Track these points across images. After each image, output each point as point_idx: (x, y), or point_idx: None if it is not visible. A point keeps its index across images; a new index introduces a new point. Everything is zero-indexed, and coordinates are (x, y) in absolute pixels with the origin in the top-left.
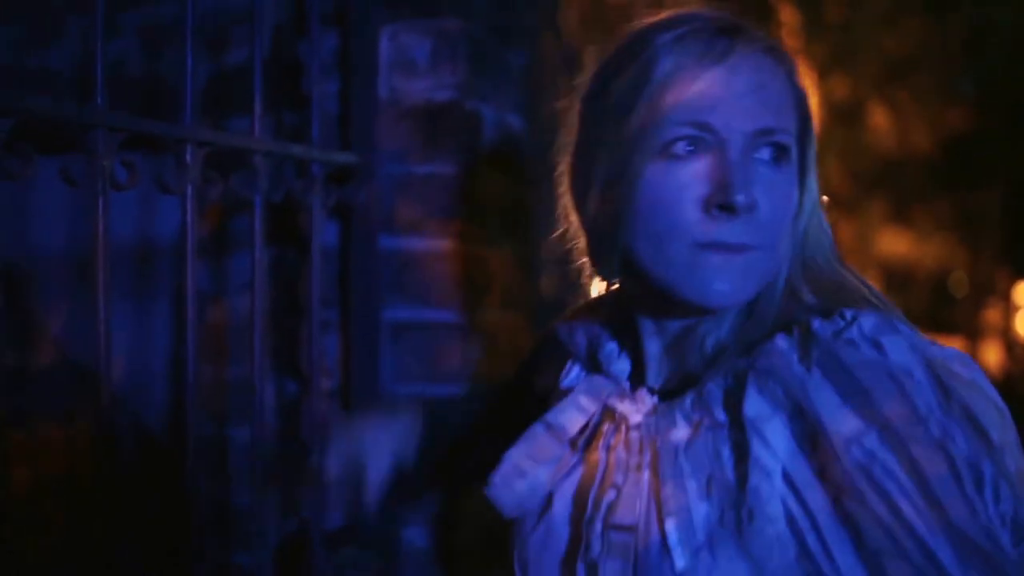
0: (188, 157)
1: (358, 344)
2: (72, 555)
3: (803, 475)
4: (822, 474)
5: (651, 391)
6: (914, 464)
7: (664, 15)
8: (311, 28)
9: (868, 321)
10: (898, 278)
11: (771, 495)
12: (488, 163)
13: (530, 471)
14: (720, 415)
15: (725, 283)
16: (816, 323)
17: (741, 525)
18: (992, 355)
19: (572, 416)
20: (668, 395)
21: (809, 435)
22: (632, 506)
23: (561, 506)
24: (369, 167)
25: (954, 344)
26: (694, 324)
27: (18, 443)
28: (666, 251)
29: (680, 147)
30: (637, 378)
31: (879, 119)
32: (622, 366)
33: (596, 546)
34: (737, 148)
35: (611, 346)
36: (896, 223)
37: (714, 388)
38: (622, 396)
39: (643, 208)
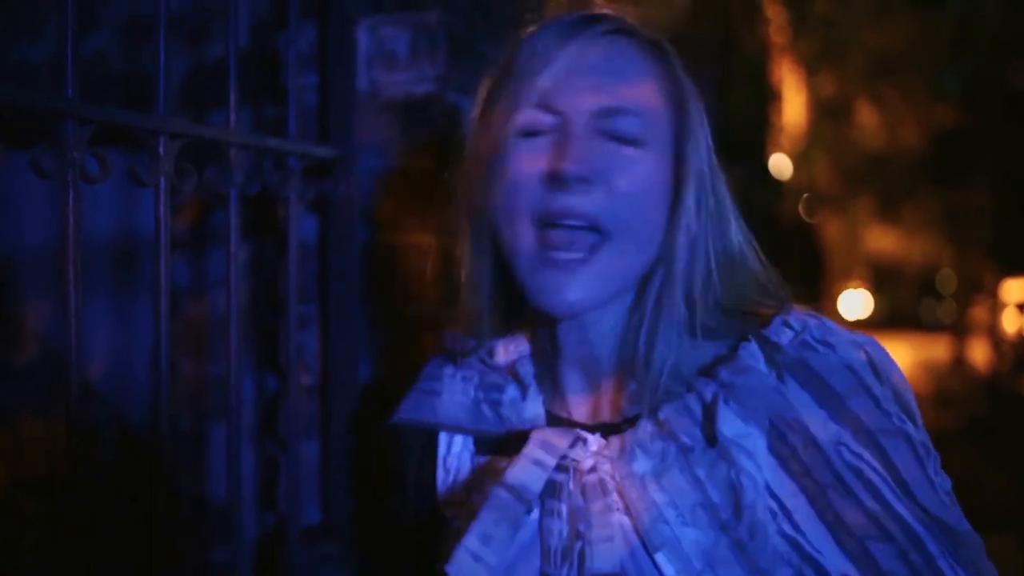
0: (161, 149)
1: (337, 339)
2: (51, 550)
3: (782, 484)
4: (804, 477)
5: (588, 429)
6: (886, 455)
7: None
8: (290, 20)
9: (812, 323)
10: (886, 275)
11: (764, 508)
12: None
13: (496, 539)
14: (687, 439)
15: (571, 290)
16: (772, 334)
17: (742, 543)
18: (979, 352)
19: (532, 474)
20: (604, 429)
21: (785, 443)
22: (609, 552)
23: (527, 571)
24: (348, 160)
25: (942, 341)
26: (597, 346)
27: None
28: (517, 238)
29: (531, 127)
30: (554, 419)
31: (867, 116)
32: (534, 410)
33: None
34: (580, 125)
35: (513, 392)
36: (884, 220)
37: (674, 413)
38: (572, 442)
39: (500, 187)
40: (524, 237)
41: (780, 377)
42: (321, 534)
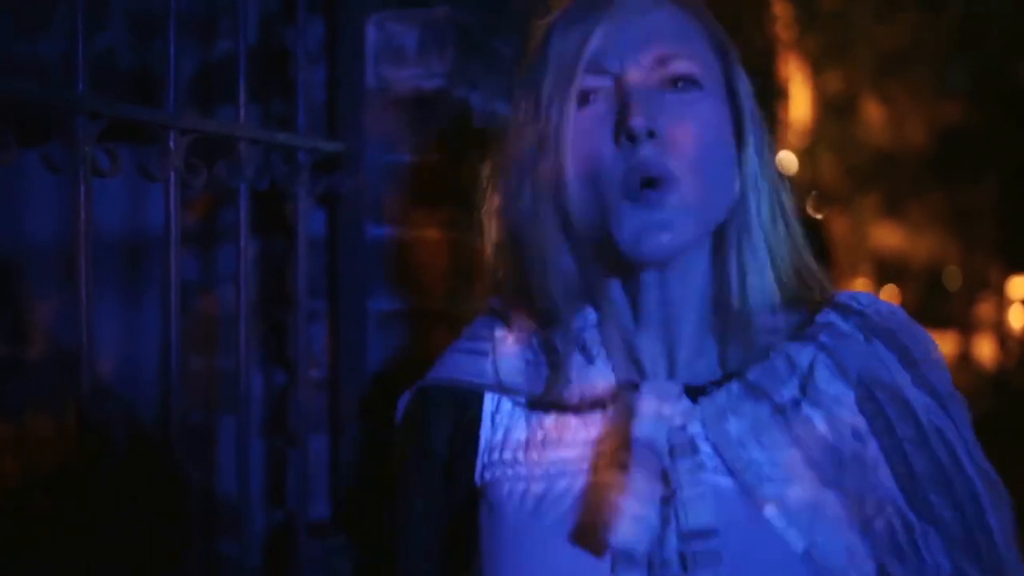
0: (171, 144)
1: (345, 334)
2: (60, 545)
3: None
4: (884, 433)
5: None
6: (956, 418)
7: None
8: (298, 16)
9: (877, 298)
10: (892, 272)
11: (866, 461)
12: (476, 152)
13: (649, 498)
14: (780, 399)
15: (656, 233)
16: (848, 302)
17: (848, 496)
18: (985, 348)
19: (659, 428)
20: (689, 391)
21: (872, 400)
22: (703, 509)
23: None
24: (356, 155)
25: (948, 337)
26: (680, 306)
27: (9, 435)
28: (602, 202)
29: (588, 92)
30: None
31: (873, 113)
32: (603, 376)
33: (674, 562)
34: (635, 79)
35: (578, 357)
36: (890, 217)
37: (764, 374)
38: (679, 396)
39: (575, 164)
40: (608, 199)
41: (867, 340)
42: (330, 528)
